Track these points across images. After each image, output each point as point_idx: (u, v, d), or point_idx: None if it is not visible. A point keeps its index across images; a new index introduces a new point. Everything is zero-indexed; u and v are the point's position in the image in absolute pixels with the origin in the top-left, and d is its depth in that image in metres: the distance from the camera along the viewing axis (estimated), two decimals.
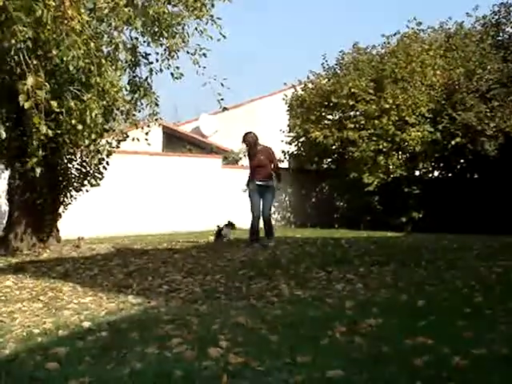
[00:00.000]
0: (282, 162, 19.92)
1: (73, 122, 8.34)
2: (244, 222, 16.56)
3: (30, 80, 6.38)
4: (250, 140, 10.65)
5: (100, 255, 9.82)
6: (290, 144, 19.37)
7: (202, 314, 4.81)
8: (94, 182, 11.33)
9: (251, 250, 9.78)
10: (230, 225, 12.58)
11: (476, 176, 17.90)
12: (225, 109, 10.85)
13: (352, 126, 17.15)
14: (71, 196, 11.69)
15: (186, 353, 3.55)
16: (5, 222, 11.38)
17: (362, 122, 17.11)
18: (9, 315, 5.10)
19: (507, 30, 18.03)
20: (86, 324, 4.59)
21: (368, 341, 3.73)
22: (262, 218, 10.48)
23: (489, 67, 16.79)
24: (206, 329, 4.21)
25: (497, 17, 18.04)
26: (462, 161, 17.73)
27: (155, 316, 4.80)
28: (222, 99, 10.35)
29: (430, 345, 3.57)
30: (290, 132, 19.25)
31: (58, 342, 4.00)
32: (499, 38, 18.24)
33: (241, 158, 21.30)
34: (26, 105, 6.41)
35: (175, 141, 23.08)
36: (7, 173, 11.56)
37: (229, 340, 3.81)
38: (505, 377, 3.03)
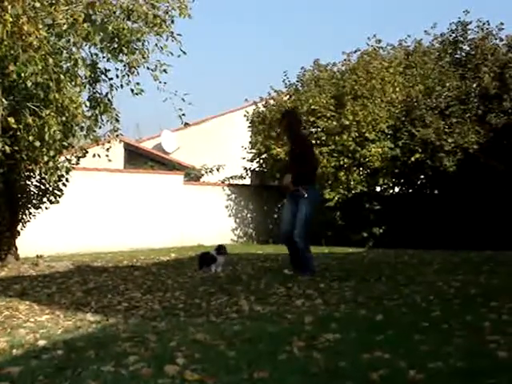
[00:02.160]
0: (244, 178, 19.96)
1: (31, 138, 8.28)
2: (206, 239, 16.60)
3: None
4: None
5: (59, 273, 9.70)
6: (252, 161, 19.40)
7: (161, 331, 4.76)
8: (54, 200, 11.24)
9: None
10: (223, 250, 9.10)
11: (436, 192, 18.09)
12: (186, 124, 10.80)
13: (313, 142, 17.22)
14: (30, 213, 11.56)
15: (142, 370, 3.50)
16: None
17: (323, 138, 17.20)
18: None
19: (464, 47, 18.31)
20: (42, 343, 4.51)
21: (326, 355, 3.72)
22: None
23: (447, 84, 17.02)
24: (164, 346, 4.16)
25: (454, 35, 18.32)
26: (421, 176, 17.92)
27: (113, 334, 4.74)
28: (183, 114, 10.29)
29: (387, 359, 3.58)
30: (251, 149, 19.26)
31: (11, 362, 3.92)
32: (457, 55, 18.52)
33: (202, 175, 21.27)
34: None
35: (137, 157, 22.98)
36: None
37: (186, 357, 3.78)
38: None
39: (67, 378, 3.45)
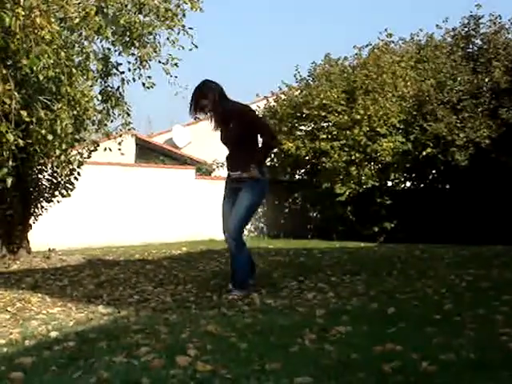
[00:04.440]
0: None
1: (43, 132, 8.28)
2: (218, 233, 16.58)
3: None
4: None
5: (70, 266, 9.73)
6: None
7: (172, 324, 4.77)
8: (65, 193, 11.25)
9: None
10: None
11: (447, 186, 18.03)
12: (197, 118, 10.80)
13: (324, 136, 17.22)
14: (42, 207, 11.60)
15: (153, 361, 3.51)
16: None
17: (334, 132, 17.18)
18: None
19: (476, 42, 18.22)
20: (54, 334, 4.53)
21: (337, 348, 3.72)
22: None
23: (459, 78, 16.95)
24: (175, 338, 4.17)
25: (466, 29, 18.22)
26: (433, 171, 17.86)
27: (124, 326, 4.75)
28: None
29: (399, 351, 3.57)
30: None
31: (23, 353, 3.94)
32: (469, 49, 18.42)
33: (214, 169, 21.30)
34: None
35: (148, 152, 23.03)
36: None
37: (198, 348, 3.78)
38: (473, 381, 3.04)
39: (79, 368, 3.46)
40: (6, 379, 3.24)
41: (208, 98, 6.26)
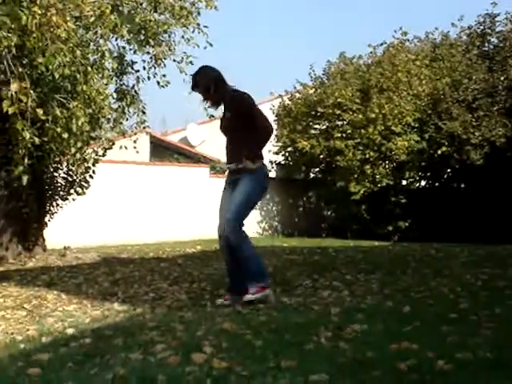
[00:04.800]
0: (269, 171, 19.87)
1: (58, 130, 8.31)
2: None
3: (14, 86, 6.36)
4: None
5: (86, 264, 9.77)
6: (278, 154, 19.41)
7: (187, 321, 4.78)
8: (80, 191, 11.31)
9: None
10: None
11: (462, 185, 17.97)
12: (212, 116, 10.84)
13: (339, 135, 17.22)
14: (57, 205, 11.66)
15: (169, 358, 3.52)
16: None
17: (349, 131, 17.18)
18: None
19: (492, 40, 18.14)
20: (70, 331, 4.55)
21: (353, 346, 3.71)
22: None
23: (474, 77, 16.88)
24: (191, 335, 4.18)
25: (482, 27, 18.15)
26: (448, 170, 17.82)
27: (140, 323, 4.76)
28: (208, 107, 10.32)
29: (415, 349, 3.55)
30: (277, 142, 19.27)
31: (40, 349, 3.96)
32: (484, 48, 18.35)
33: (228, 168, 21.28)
34: (10, 110, 6.39)
35: (162, 150, 23.06)
36: None
37: (213, 346, 3.78)
38: (489, 380, 3.02)
39: (96, 364, 3.47)
40: (23, 375, 3.26)
41: (200, 87, 5.99)
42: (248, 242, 6.01)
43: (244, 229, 6.03)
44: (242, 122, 5.89)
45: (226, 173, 6.48)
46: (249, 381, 3.05)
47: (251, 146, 5.86)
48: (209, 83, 5.93)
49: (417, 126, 17.16)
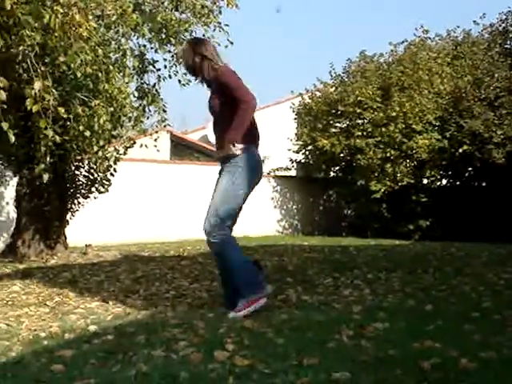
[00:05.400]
0: (290, 170, 19.89)
1: (80, 128, 8.36)
2: (252, 230, 16.65)
3: (38, 84, 6.38)
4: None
5: (107, 262, 9.82)
6: (298, 152, 19.40)
7: (209, 319, 4.79)
8: (102, 189, 11.37)
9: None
10: None
11: (484, 184, 17.86)
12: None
13: (359, 133, 17.17)
14: (79, 203, 11.73)
15: (192, 355, 3.53)
16: (13, 228, 11.39)
17: (370, 129, 17.12)
18: (16, 319, 5.09)
19: None
20: (92, 328, 4.57)
21: (375, 344, 3.70)
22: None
23: (496, 75, 16.77)
24: (213, 333, 4.18)
25: (504, 25, 18.05)
26: (469, 169, 17.72)
27: (162, 320, 4.78)
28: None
29: (438, 348, 3.54)
30: (297, 140, 19.27)
31: (63, 345, 3.99)
32: (507, 45, 18.25)
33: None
34: (34, 108, 6.41)
35: (183, 149, 23.12)
36: (15, 180, 11.59)
37: (235, 343, 3.79)
38: None
39: (118, 361, 3.49)
40: (47, 371, 3.29)
41: (183, 59, 5.40)
42: (233, 248, 5.15)
43: (230, 225, 5.26)
44: (226, 99, 5.07)
45: None
46: (271, 378, 3.05)
47: (232, 128, 5.00)
48: (192, 56, 5.24)
49: (438, 124, 17.07)
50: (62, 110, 6.94)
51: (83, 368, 3.36)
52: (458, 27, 19.49)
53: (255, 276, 5.08)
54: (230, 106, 4.99)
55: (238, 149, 5.02)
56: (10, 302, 6.06)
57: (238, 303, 4.88)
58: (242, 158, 5.06)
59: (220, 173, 5.22)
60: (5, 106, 6.14)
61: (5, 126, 6.16)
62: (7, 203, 13.48)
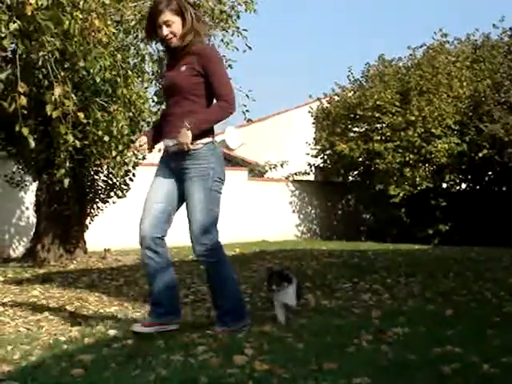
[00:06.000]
0: (308, 174, 19.87)
1: (99, 133, 8.40)
2: (270, 234, 16.64)
3: (58, 90, 6.43)
4: None
5: (126, 266, 9.86)
6: (316, 157, 19.38)
7: None
8: (121, 194, 11.40)
9: None
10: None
11: (504, 188, 17.74)
12: (249, 120, 10.88)
13: (378, 138, 17.12)
14: (98, 208, 11.77)
15: (211, 360, 3.53)
16: (32, 233, 11.46)
17: (388, 134, 17.07)
18: (36, 323, 5.11)
19: None
20: (112, 332, 4.58)
21: (394, 349, 3.69)
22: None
23: None
24: (232, 337, 4.18)
25: None
26: (489, 173, 17.61)
27: (180, 325, 4.77)
28: (247, 111, 10.37)
29: (458, 353, 3.52)
30: (315, 145, 19.24)
31: (83, 350, 4.00)
32: None
33: (266, 171, 21.33)
34: (54, 114, 6.46)
35: None
36: (35, 185, 11.66)
37: (254, 348, 3.79)
38: None
39: (138, 366, 3.50)
40: (67, 375, 3.30)
41: (170, 9, 4.40)
42: (228, 264, 4.84)
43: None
44: (204, 81, 4.39)
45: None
46: (291, 383, 3.04)
47: (201, 116, 4.36)
48: (183, 9, 4.39)
49: (457, 128, 16.98)
50: (81, 115, 6.98)
51: (103, 372, 3.37)
52: (478, 30, 19.42)
53: (242, 300, 4.81)
54: (206, 91, 4.40)
55: (202, 143, 4.41)
56: (30, 307, 6.09)
57: (217, 324, 4.49)
58: (211, 155, 4.48)
59: (174, 168, 4.55)
60: (25, 112, 6.17)
61: (25, 131, 6.20)
62: (27, 208, 13.53)
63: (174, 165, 4.53)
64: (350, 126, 18.44)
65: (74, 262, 10.70)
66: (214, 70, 4.36)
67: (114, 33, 7.68)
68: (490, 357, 3.34)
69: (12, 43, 6.65)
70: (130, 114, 8.97)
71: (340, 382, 3.03)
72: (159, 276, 4.65)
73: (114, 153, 9.15)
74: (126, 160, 10.24)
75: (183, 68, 4.38)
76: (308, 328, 4.45)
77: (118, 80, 8.20)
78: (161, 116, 4.83)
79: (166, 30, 4.36)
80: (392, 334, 4.12)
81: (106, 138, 8.43)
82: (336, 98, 19.16)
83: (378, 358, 3.49)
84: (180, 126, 4.29)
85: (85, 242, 11.60)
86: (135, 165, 10.57)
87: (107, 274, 8.68)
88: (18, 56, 6.47)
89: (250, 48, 10.31)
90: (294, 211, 19.26)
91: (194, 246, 4.66)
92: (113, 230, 14.50)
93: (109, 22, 7.46)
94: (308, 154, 19.28)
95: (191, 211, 4.61)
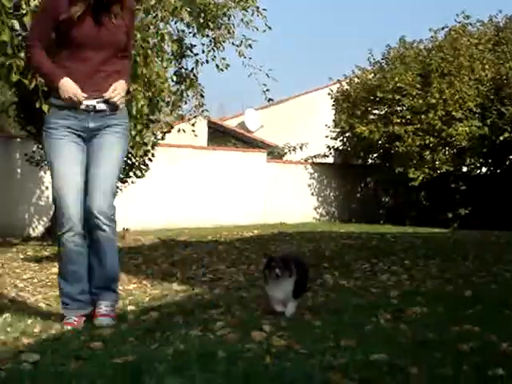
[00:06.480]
0: (327, 157, 19.83)
1: None
2: (289, 217, 16.65)
3: None
4: None
5: (145, 245, 9.90)
6: (336, 139, 19.31)
7: (246, 301, 4.81)
8: (140, 174, 11.41)
9: None
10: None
11: None
12: (270, 100, 10.85)
13: (398, 120, 17.02)
14: (117, 187, 11.79)
15: (229, 335, 3.54)
16: (52, 212, 11.51)
17: (408, 116, 16.97)
18: (55, 299, 5.13)
19: None
20: (130, 308, 4.62)
21: (413, 327, 3.67)
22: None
23: None
24: (250, 314, 4.20)
25: None
26: (510, 157, 17.47)
27: (199, 302, 4.80)
28: (267, 90, 10.36)
29: (477, 332, 3.50)
30: (335, 127, 19.16)
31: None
32: None
33: (286, 153, 21.30)
34: None
35: (220, 135, 23.12)
36: None
37: (272, 325, 3.79)
38: None
39: (156, 340, 3.51)
40: (87, 348, 3.32)
41: None
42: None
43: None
44: (128, 38, 4.08)
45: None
46: (308, 358, 3.04)
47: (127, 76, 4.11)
48: None
49: (478, 111, 16.85)
50: None
51: (122, 346, 3.38)
52: (500, 12, 19.16)
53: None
54: (129, 49, 4.24)
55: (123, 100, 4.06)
56: (49, 283, 6.15)
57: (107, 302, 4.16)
58: (126, 116, 4.20)
59: (86, 131, 3.99)
60: (45, 89, 6.18)
61: (45, 108, 6.21)
62: (46, 188, 13.58)
63: (94, 124, 3.98)
64: (369, 109, 18.35)
65: None
66: (131, 24, 4.10)
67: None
68: (508, 336, 3.32)
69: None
70: (149, 93, 8.95)
71: (357, 358, 3.02)
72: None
73: (133, 132, 9.15)
74: (145, 140, 10.25)
75: (116, 22, 3.92)
76: (326, 306, 4.46)
77: (138, 59, 8.19)
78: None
79: None
80: (411, 313, 4.12)
81: None
82: (356, 80, 19.04)
83: (396, 336, 3.48)
84: (106, 82, 3.93)
85: None
86: (154, 145, 10.58)
87: (126, 253, 8.71)
88: None
89: (269, 28, 10.27)
90: (312, 194, 19.23)
91: (101, 203, 4.13)
92: (131, 209, 14.55)
93: None
94: (327, 137, 19.21)
95: (104, 163, 4.04)
